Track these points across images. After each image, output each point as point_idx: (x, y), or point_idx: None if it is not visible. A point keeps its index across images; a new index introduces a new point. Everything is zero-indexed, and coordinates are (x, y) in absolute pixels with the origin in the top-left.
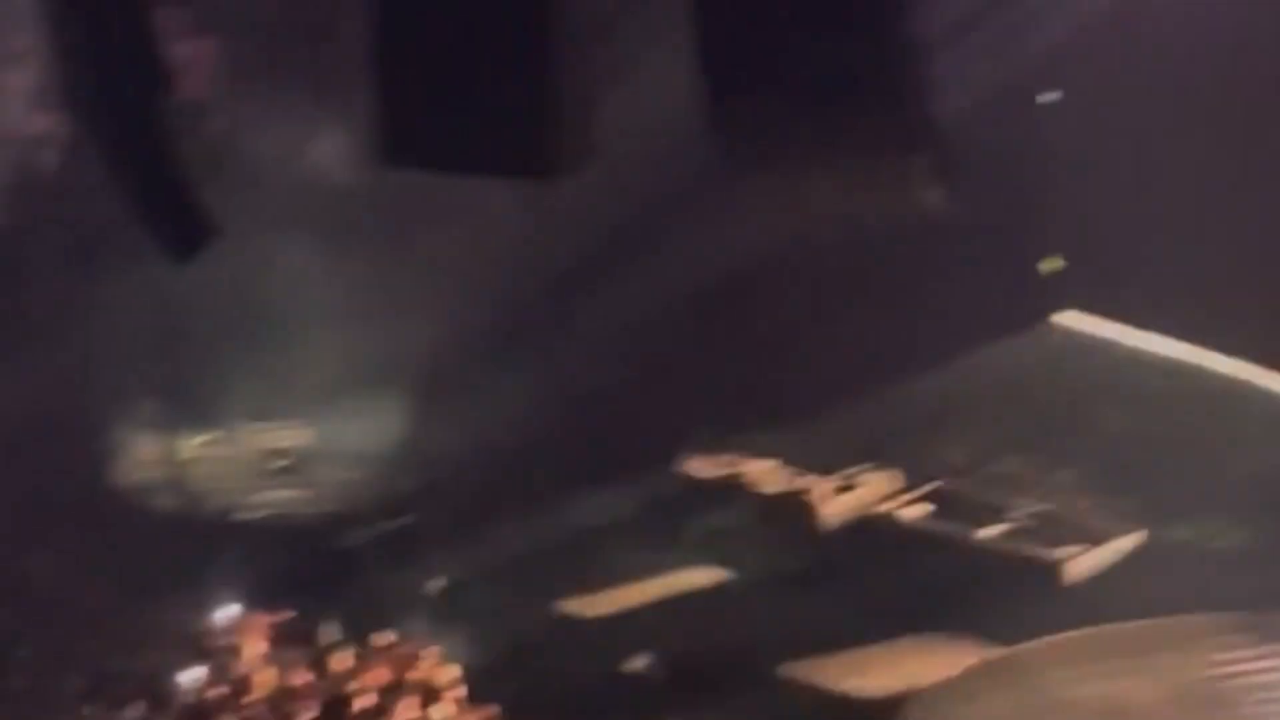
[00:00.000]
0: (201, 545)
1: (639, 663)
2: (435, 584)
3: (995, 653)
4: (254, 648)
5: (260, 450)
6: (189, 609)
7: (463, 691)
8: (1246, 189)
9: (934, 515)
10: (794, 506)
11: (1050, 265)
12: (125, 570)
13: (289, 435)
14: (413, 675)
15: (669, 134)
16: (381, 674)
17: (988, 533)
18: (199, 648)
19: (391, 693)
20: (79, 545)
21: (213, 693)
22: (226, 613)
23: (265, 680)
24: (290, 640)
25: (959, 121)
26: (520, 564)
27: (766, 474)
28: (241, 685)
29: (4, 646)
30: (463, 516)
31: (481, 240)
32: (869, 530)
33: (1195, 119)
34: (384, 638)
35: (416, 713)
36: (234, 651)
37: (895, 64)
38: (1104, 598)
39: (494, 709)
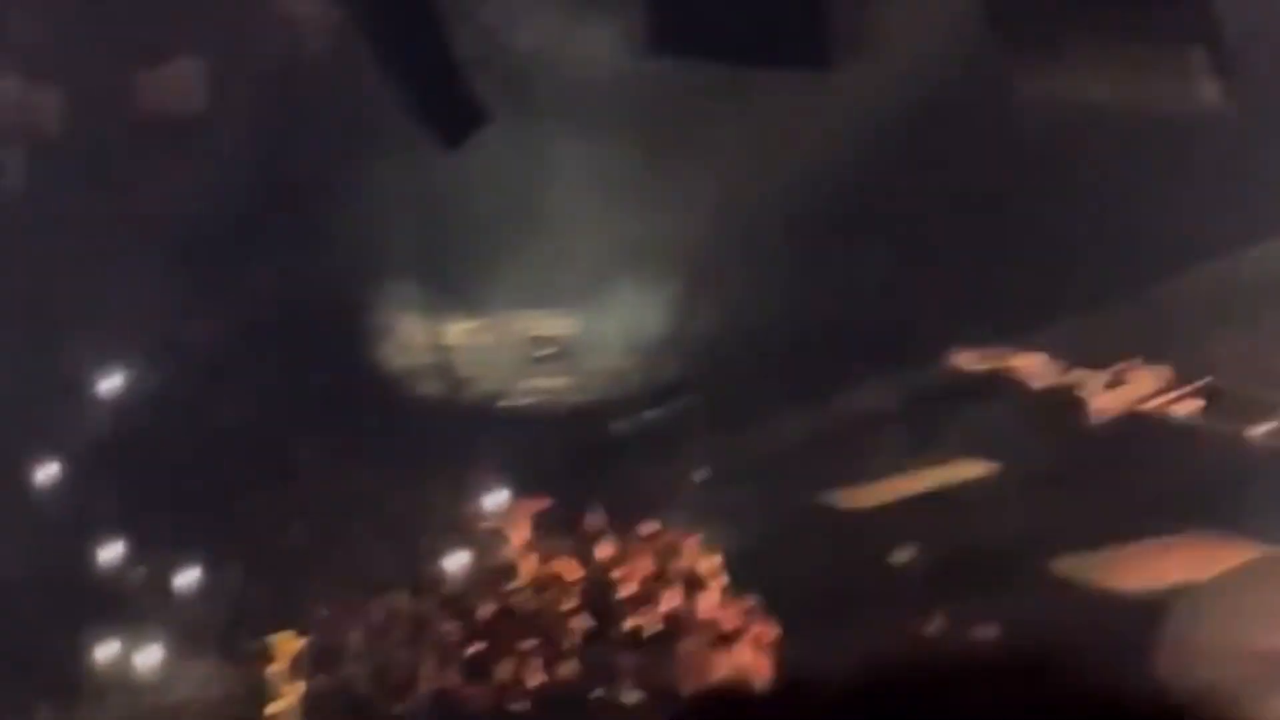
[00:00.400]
0: (467, 431)
1: (901, 555)
2: (699, 473)
3: (1266, 550)
4: (519, 534)
5: (527, 337)
6: (454, 494)
7: (724, 581)
8: None
9: (1204, 412)
10: (1062, 401)
11: None
12: (391, 455)
13: (556, 323)
14: (675, 564)
15: (943, 27)
16: (645, 563)
17: (1259, 430)
18: (464, 533)
19: (655, 581)
20: (347, 430)
21: (477, 578)
22: (492, 499)
23: (529, 567)
24: (554, 528)
25: (1239, 13)
26: (785, 455)
27: (1034, 368)
28: (506, 571)
29: (273, 531)
30: (728, 407)
31: (754, 132)
32: (1138, 426)
33: None
34: (648, 527)
35: (679, 601)
36: (499, 537)
37: None
38: None
39: (753, 600)
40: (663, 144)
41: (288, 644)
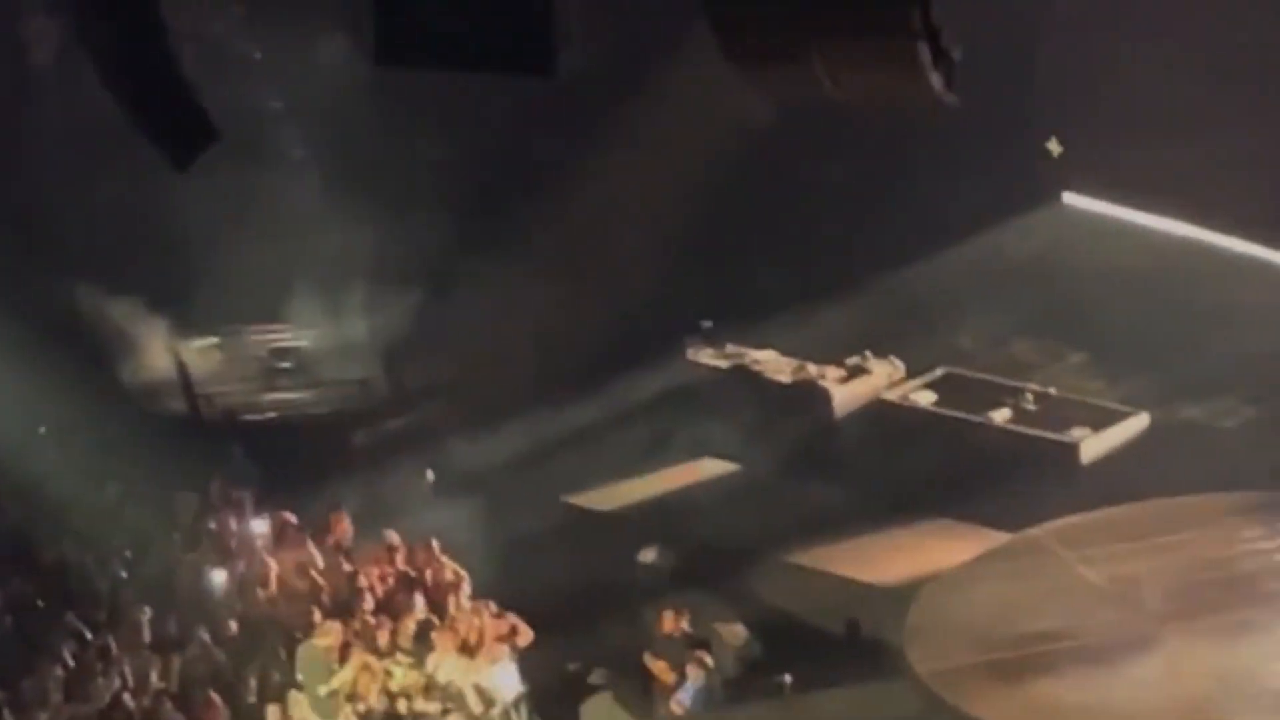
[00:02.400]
0: (209, 445)
1: (649, 554)
2: (437, 478)
3: (1008, 536)
4: (265, 545)
5: (266, 351)
6: (200, 508)
7: (469, 588)
8: (1261, 62)
9: (943, 400)
10: (805, 393)
11: (1054, 148)
12: (135, 472)
13: (295, 336)
14: (422, 571)
15: (663, 29)
16: (391, 570)
17: (998, 417)
18: (213, 546)
19: (401, 589)
20: (90, 448)
21: (225, 590)
22: (243, 512)
23: (277, 577)
24: (300, 538)
25: (961, 5)
26: (529, 458)
27: (772, 363)
28: (253, 582)
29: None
30: (471, 412)
31: (480, 137)
32: (884, 414)
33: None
34: (393, 534)
35: (424, 609)
36: (245, 548)
37: None
38: (1115, 479)
39: (497, 605)
40: (395, 153)
41: None
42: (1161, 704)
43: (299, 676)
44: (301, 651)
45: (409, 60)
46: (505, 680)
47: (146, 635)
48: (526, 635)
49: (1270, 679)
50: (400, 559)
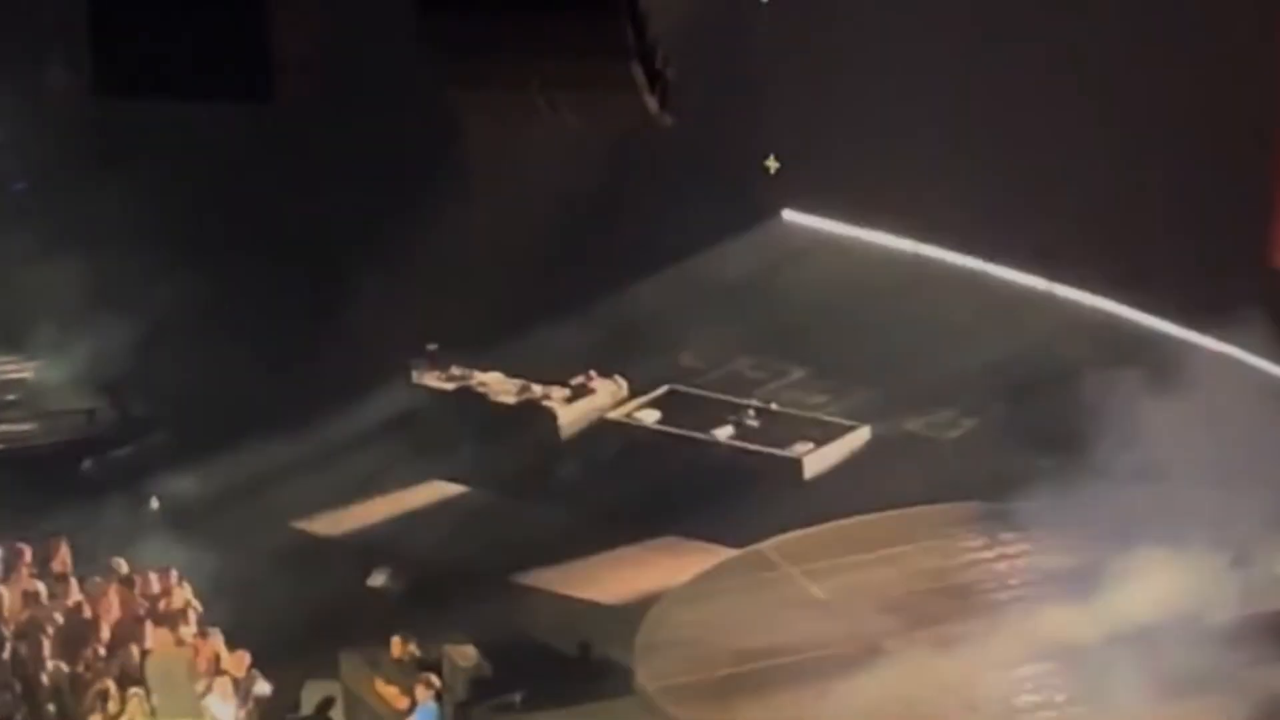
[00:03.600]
0: None
1: (378, 578)
2: (162, 504)
3: (733, 552)
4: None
5: None
6: None
7: (197, 613)
8: (965, 79)
9: (668, 418)
10: (529, 414)
11: (772, 164)
12: None
13: (17, 368)
14: (150, 599)
15: (387, 56)
16: (120, 599)
17: (723, 433)
18: None
19: (131, 617)
20: None
21: None
22: None
23: (11, 608)
24: (29, 569)
25: (676, 27)
26: (257, 484)
27: (496, 384)
28: None
29: None
30: (197, 439)
31: (201, 165)
32: (609, 433)
33: (913, 19)
34: (121, 563)
35: (153, 636)
36: None
37: None
38: (838, 493)
39: (224, 631)
40: (114, 182)
41: None
42: (890, 715)
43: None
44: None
45: (126, 90)
46: (224, 711)
47: None
48: (240, 664)
49: (996, 687)
50: (131, 587)
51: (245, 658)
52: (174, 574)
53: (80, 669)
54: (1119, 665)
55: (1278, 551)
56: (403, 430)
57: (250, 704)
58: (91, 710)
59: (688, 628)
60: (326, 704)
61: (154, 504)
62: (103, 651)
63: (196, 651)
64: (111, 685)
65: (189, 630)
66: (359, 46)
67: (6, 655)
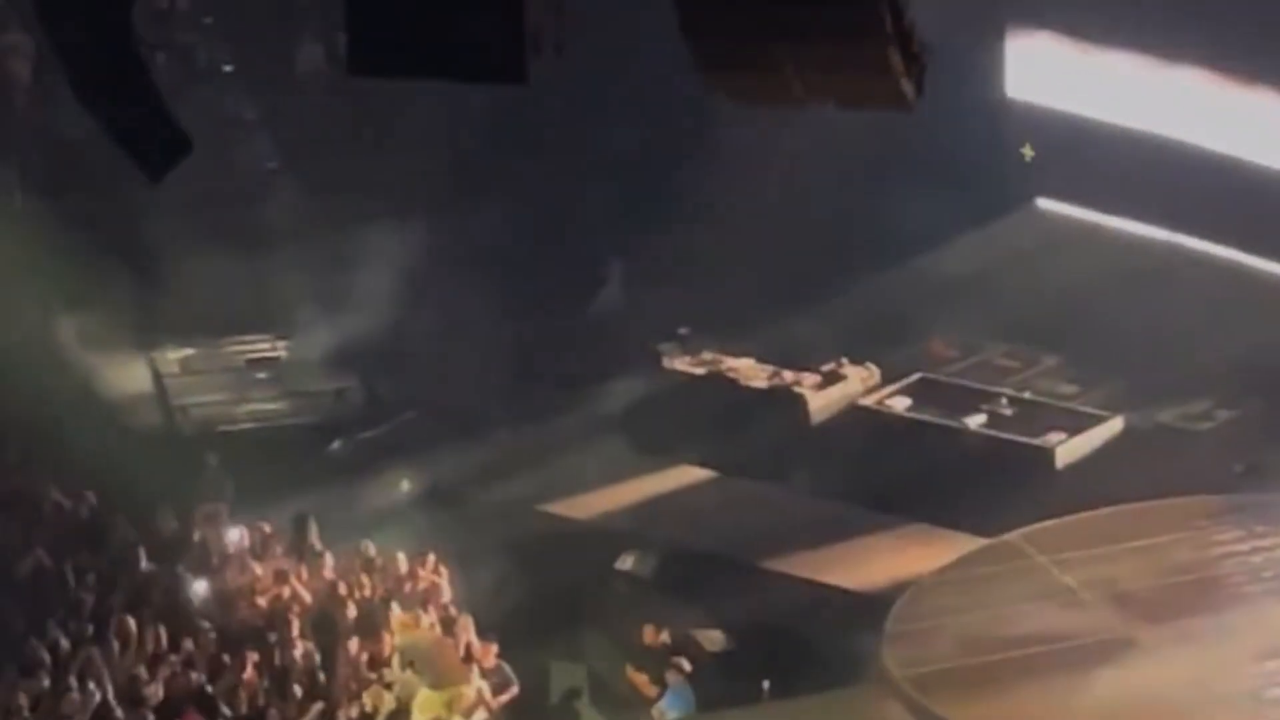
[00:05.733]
0: (188, 458)
1: (626, 561)
2: (412, 486)
3: (987, 541)
4: (248, 555)
5: (242, 362)
6: (181, 519)
7: (450, 597)
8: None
9: (919, 405)
10: (783, 399)
11: (1028, 151)
12: (116, 482)
13: (270, 346)
14: (402, 582)
15: (639, 36)
16: (372, 581)
17: (975, 421)
18: (193, 556)
19: (383, 600)
20: (72, 464)
21: (211, 600)
22: (220, 522)
23: (262, 587)
24: (282, 549)
25: (929, 12)
26: (508, 467)
27: (747, 370)
28: (234, 592)
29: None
30: (451, 420)
31: (455, 146)
32: (860, 420)
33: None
34: (372, 546)
35: (407, 620)
36: (230, 559)
37: None
38: (1090, 483)
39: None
40: (367, 162)
41: None
42: (1139, 706)
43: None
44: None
45: (382, 70)
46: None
47: (133, 646)
48: (489, 654)
49: (1244, 680)
50: (382, 569)
51: (493, 649)
52: (431, 559)
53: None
54: None
55: None
56: (653, 414)
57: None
58: (347, 691)
59: (937, 616)
60: (574, 693)
61: (404, 486)
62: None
63: (448, 636)
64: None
65: (437, 615)
66: (614, 29)
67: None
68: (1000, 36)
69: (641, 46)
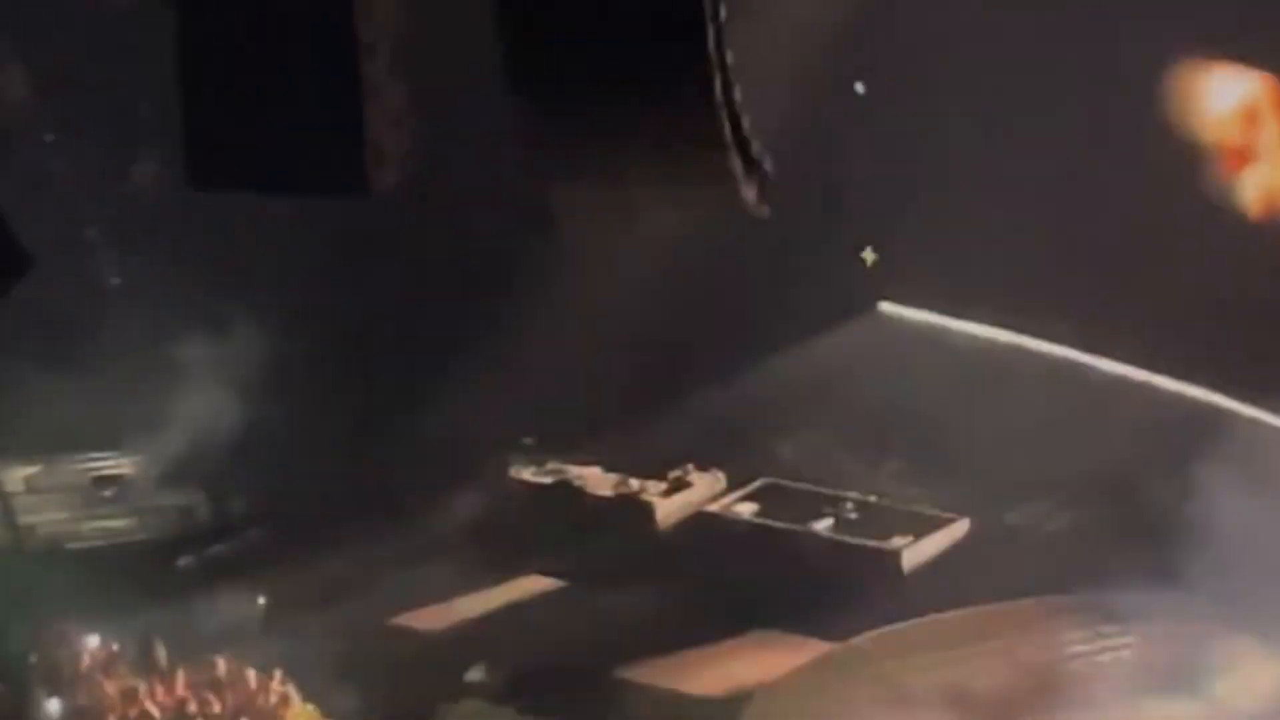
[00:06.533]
0: (35, 577)
1: (475, 673)
2: (266, 603)
3: (834, 646)
4: (98, 674)
5: (89, 478)
6: (26, 639)
7: (299, 710)
8: (1065, 174)
9: (765, 511)
10: (628, 508)
11: (869, 255)
12: None
13: (115, 463)
14: (253, 697)
15: (484, 148)
16: (222, 698)
17: (821, 526)
18: (43, 675)
19: (233, 718)
20: None
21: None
22: (69, 641)
23: (111, 705)
24: (128, 666)
25: (774, 117)
26: (355, 579)
27: (594, 478)
28: (89, 712)
29: None
30: (299, 534)
31: (297, 257)
32: (701, 529)
33: (1008, 110)
34: (221, 663)
35: None
36: (80, 677)
37: (707, 63)
38: (939, 585)
39: None
40: (210, 274)
41: None
42: None
43: None
44: None
45: (221, 184)
46: None
47: None
48: None
49: None
50: (230, 685)
51: None
52: (278, 675)
53: None
54: None
55: None
56: (500, 524)
57: None
58: None
59: None
60: None
61: (259, 601)
62: None
63: None
64: None
65: None
66: (456, 137)
67: None
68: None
69: (485, 152)
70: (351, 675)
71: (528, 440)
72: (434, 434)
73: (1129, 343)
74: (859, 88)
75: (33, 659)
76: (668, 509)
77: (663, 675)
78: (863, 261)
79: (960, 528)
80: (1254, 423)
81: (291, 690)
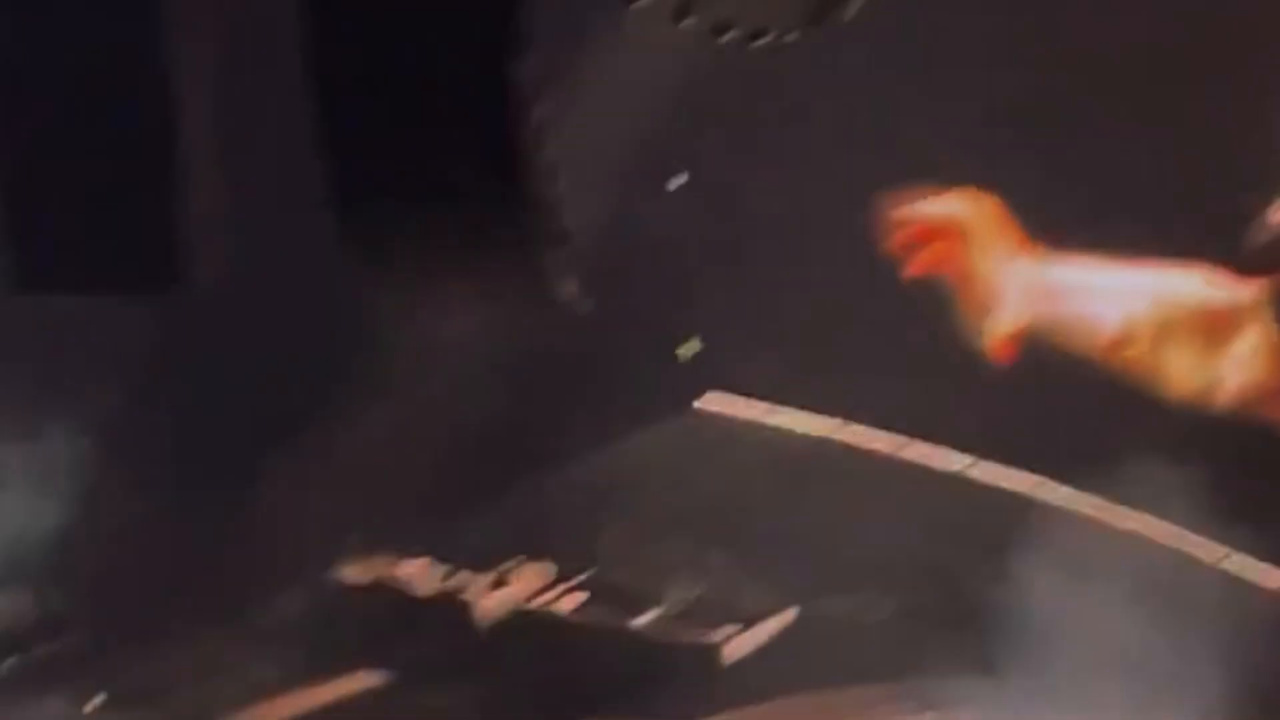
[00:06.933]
0: None
1: None
2: (91, 704)
3: None
4: None
5: None
6: None
7: None
8: (871, 263)
9: (590, 605)
10: (447, 606)
11: (689, 348)
12: None
13: None
14: None
15: (302, 243)
16: None
17: (644, 619)
18: None
19: None
20: None
21: None
22: None
23: None
24: None
25: (588, 213)
26: (177, 680)
27: (418, 574)
28: None
29: None
30: (116, 635)
31: (114, 357)
32: (525, 625)
33: (823, 201)
34: None
35: None
36: None
37: (519, 160)
38: (763, 676)
39: None
40: (16, 375)
41: None
42: None
43: None
44: None
45: (34, 286)
46: None
47: None
48: None
49: None
50: None
51: None
52: None
53: None
54: None
55: None
56: (326, 621)
57: None
58: None
59: None
60: None
61: (94, 700)
62: None
63: None
64: None
65: None
66: (274, 233)
67: None
68: None
69: (304, 248)
70: None
71: (354, 536)
72: (260, 531)
73: (947, 432)
74: (678, 180)
75: None
76: (494, 603)
77: None
78: (685, 353)
79: (785, 618)
80: (1069, 513)
81: None
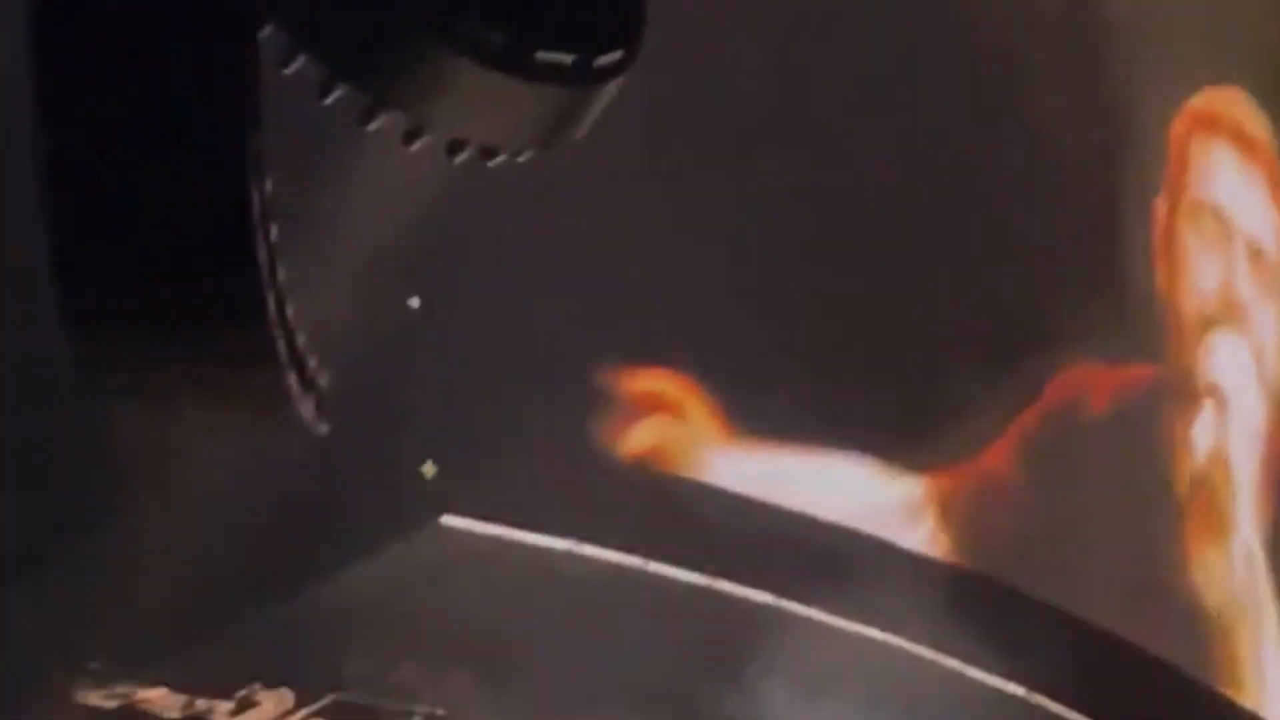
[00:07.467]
0: None
1: None
2: None
3: None
4: None
5: None
6: None
7: None
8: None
9: None
10: None
11: (428, 470)
12: None
13: None
14: None
15: (33, 364)
16: None
17: None
18: None
19: None
20: None
21: None
22: None
23: None
24: None
25: (330, 333)
26: None
27: (161, 701)
28: None
29: None
30: None
31: None
32: None
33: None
34: None
35: None
36: None
37: (258, 282)
38: None
39: None
40: None
41: None
42: None
43: None
44: None
45: None
46: None
47: None
48: None
49: None
50: None
51: None
52: None
53: None
54: None
55: None
56: None
57: None
58: None
59: None
60: None
61: None
62: None
63: None
64: None
65: None
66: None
67: None
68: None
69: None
70: None
71: (94, 664)
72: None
73: (681, 548)
74: (415, 301)
75: None
76: None
77: None
78: (423, 475)
79: None
80: (807, 621)
81: None
